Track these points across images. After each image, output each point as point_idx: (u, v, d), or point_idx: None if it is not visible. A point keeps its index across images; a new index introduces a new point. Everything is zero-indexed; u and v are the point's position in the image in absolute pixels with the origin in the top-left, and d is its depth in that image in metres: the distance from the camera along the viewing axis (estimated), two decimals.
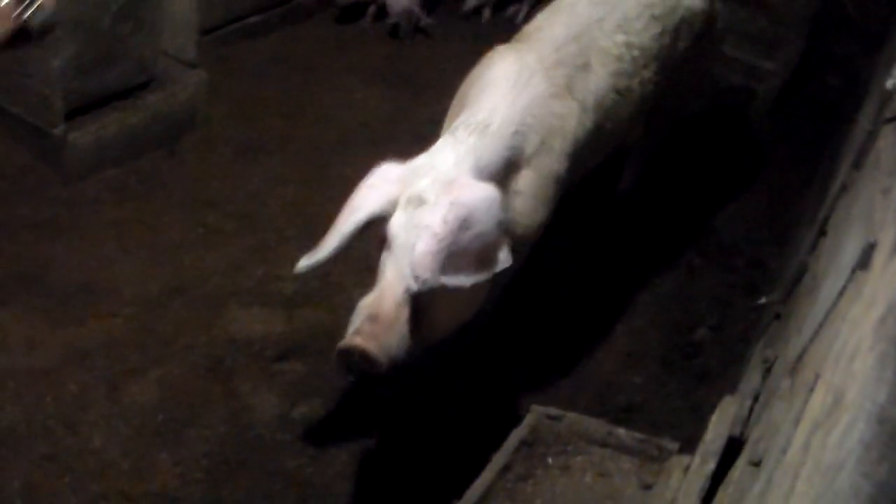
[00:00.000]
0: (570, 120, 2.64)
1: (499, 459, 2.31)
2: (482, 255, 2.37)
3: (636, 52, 2.83)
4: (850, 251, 1.97)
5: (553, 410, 2.46)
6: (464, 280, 2.34)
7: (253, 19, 4.30)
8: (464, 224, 2.30)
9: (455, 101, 2.71)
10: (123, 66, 3.48)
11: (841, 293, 1.88)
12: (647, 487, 2.26)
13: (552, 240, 2.79)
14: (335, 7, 4.50)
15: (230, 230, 3.37)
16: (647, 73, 2.89)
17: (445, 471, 2.67)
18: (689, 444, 2.39)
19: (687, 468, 2.18)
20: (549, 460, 2.35)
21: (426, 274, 2.24)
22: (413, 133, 3.83)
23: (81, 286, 3.07)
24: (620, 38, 2.82)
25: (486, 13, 4.67)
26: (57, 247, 3.19)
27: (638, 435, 2.41)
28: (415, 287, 2.26)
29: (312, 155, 3.75)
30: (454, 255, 2.29)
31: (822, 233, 2.64)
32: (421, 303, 2.33)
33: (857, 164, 2.49)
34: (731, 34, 4.04)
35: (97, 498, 2.51)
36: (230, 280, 3.17)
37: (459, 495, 2.25)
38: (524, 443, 2.36)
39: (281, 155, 3.73)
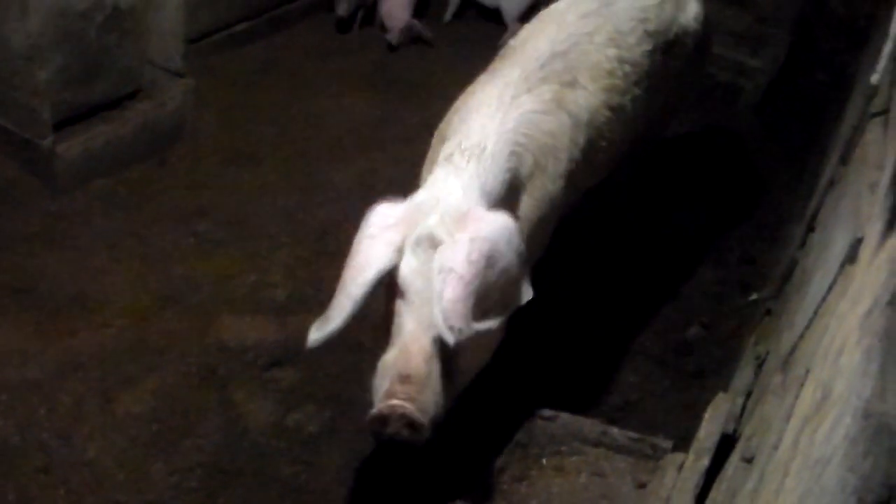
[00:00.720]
0: (563, 137, 2.51)
1: (493, 461, 2.32)
2: (507, 291, 2.23)
3: (628, 68, 2.72)
4: (838, 246, 1.98)
5: (547, 411, 2.47)
6: (493, 322, 2.19)
7: (239, 27, 4.30)
8: (489, 261, 2.13)
9: (436, 135, 2.57)
10: (110, 76, 3.48)
11: (830, 288, 1.89)
12: (642, 486, 2.27)
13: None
14: (336, 17, 4.50)
15: (221, 238, 3.36)
16: (639, 91, 2.77)
17: (440, 474, 2.67)
18: (684, 442, 2.41)
19: (681, 466, 2.19)
20: (544, 461, 2.36)
21: (460, 322, 2.05)
22: (402, 138, 3.85)
23: (73, 298, 3.06)
24: (612, 52, 2.69)
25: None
26: (48, 259, 3.18)
27: (632, 434, 2.42)
28: (451, 339, 2.05)
29: (302, 161, 3.75)
30: (482, 296, 2.12)
31: (811, 228, 2.65)
32: (449, 352, 2.15)
33: (845, 160, 2.50)
34: (718, 32, 4.06)
35: None
36: (222, 288, 3.17)
37: (454, 498, 2.25)
38: (518, 444, 2.37)
39: (271, 162, 3.73)
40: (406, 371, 2.11)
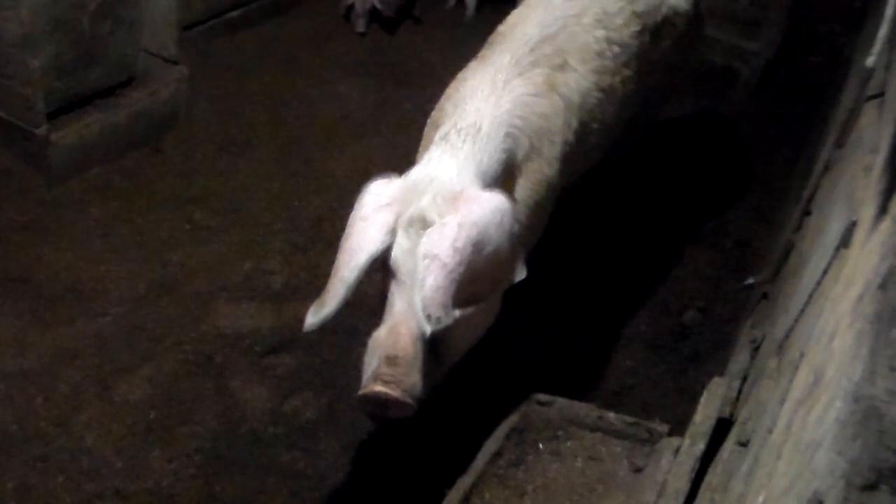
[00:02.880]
0: (556, 119, 2.50)
1: (490, 446, 2.32)
2: (498, 273, 2.22)
3: (616, 49, 2.71)
4: (834, 230, 1.98)
5: (543, 396, 2.48)
6: (480, 305, 2.18)
7: (233, 14, 4.29)
8: (477, 246, 2.10)
9: (429, 123, 2.56)
10: (104, 64, 3.47)
11: (825, 272, 1.89)
12: (638, 470, 2.28)
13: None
14: (344, 6, 4.47)
15: (216, 226, 3.36)
16: (628, 72, 2.76)
17: (437, 459, 2.68)
18: (680, 426, 2.41)
19: (677, 450, 2.20)
20: (541, 446, 2.36)
21: (438, 311, 2.05)
22: (398, 124, 3.84)
23: (69, 286, 3.06)
24: (600, 33, 2.68)
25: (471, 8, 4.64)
26: (43, 248, 3.18)
27: (628, 418, 2.42)
28: (428, 329, 2.07)
29: (297, 148, 3.75)
30: (469, 280, 2.10)
31: (807, 212, 2.65)
32: (437, 333, 2.14)
33: (840, 143, 2.49)
34: (713, 15, 4.04)
35: (91, 497, 2.51)
36: (218, 276, 3.17)
37: (451, 483, 2.26)
38: (515, 429, 2.37)
39: (265, 149, 3.73)
40: (394, 352, 2.13)
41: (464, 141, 2.29)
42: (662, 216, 3.61)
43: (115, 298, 3.05)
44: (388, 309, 2.21)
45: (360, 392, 2.15)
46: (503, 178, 2.35)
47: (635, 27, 2.79)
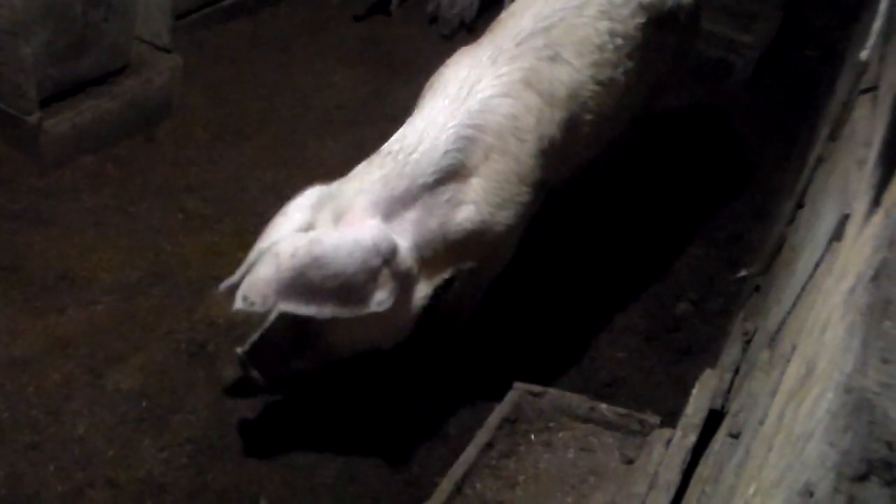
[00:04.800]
0: (528, 118, 2.52)
1: (481, 437, 2.32)
2: (344, 294, 2.32)
3: (620, 41, 2.71)
4: (826, 223, 1.99)
5: (535, 387, 2.48)
6: (318, 311, 2.32)
7: (227, 2, 4.27)
8: (315, 263, 2.27)
9: (418, 103, 2.63)
10: (97, 52, 3.45)
11: (817, 265, 1.89)
12: (630, 462, 2.28)
13: (532, 218, 2.79)
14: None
15: (209, 215, 3.35)
16: (631, 64, 2.76)
17: (428, 450, 2.69)
18: (671, 418, 2.42)
19: (669, 442, 2.20)
20: (532, 437, 2.37)
21: (255, 297, 2.27)
22: (391, 114, 3.82)
23: (61, 275, 3.05)
24: (604, 24, 2.68)
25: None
26: (35, 236, 3.17)
27: (620, 410, 2.43)
28: (239, 306, 2.28)
29: (290, 138, 3.74)
30: (305, 287, 2.28)
31: (800, 205, 2.65)
32: (310, 325, 2.43)
33: (834, 136, 2.50)
34: (708, 8, 4.03)
35: (83, 486, 2.50)
36: (211, 264, 3.16)
37: (443, 474, 2.26)
38: (507, 420, 2.37)
39: (259, 138, 3.72)
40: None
41: (381, 167, 2.42)
42: (655, 209, 3.61)
43: (107, 287, 3.04)
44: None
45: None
46: (444, 186, 2.43)
47: (641, 18, 2.79)
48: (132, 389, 2.75)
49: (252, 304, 2.27)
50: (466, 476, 2.22)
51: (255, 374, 2.52)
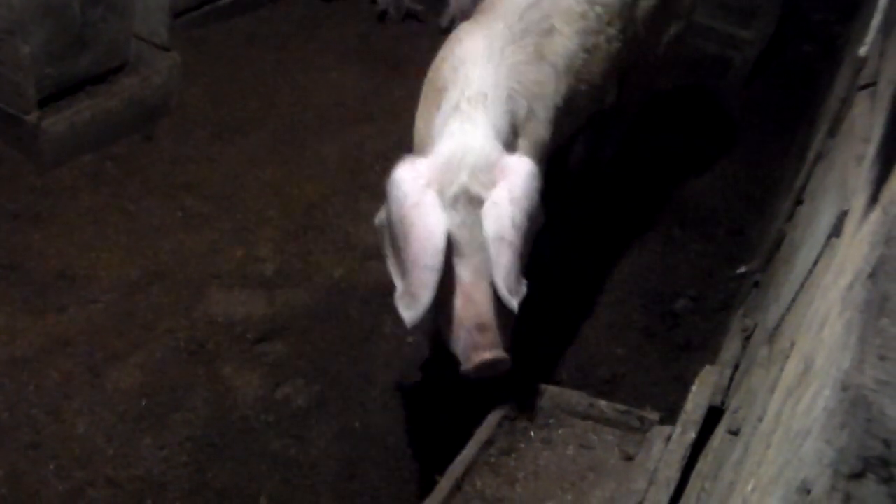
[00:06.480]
0: (548, 85, 2.58)
1: (481, 434, 2.32)
2: (534, 216, 2.31)
3: (599, 9, 2.76)
4: (825, 219, 1.99)
5: (535, 384, 2.47)
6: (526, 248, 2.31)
7: (225, 0, 4.26)
8: (530, 217, 2.25)
9: (427, 84, 2.59)
10: (96, 50, 3.45)
11: (816, 261, 1.89)
12: (629, 458, 2.28)
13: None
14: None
15: (209, 213, 3.35)
16: (612, 31, 2.81)
17: (428, 447, 2.69)
18: (671, 414, 2.42)
19: (668, 438, 2.20)
20: (532, 434, 2.37)
21: (516, 286, 2.21)
22: (390, 111, 3.83)
23: (60, 274, 3.05)
24: None
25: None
26: (34, 235, 3.17)
27: (619, 406, 2.43)
28: (514, 302, 2.20)
29: (289, 135, 3.73)
30: (525, 247, 2.26)
31: (800, 201, 2.65)
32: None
33: (833, 132, 2.50)
34: (707, 4, 4.04)
35: (83, 484, 2.51)
36: (210, 263, 3.16)
37: (442, 471, 2.26)
38: (506, 417, 2.38)
39: (258, 136, 3.71)
40: (480, 320, 2.23)
41: (476, 109, 2.35)
42: (654, 204, 3.61)
43: (106, 285, 3.04)
44: (455, 281, 2.25)
45: (472, 364, 2.23)
46: (511, 139, 2.43)
47: None
48: (132, 388, 2.75)
49: (519, 291, 2.22)
50: (466, 473, 2.23)
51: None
